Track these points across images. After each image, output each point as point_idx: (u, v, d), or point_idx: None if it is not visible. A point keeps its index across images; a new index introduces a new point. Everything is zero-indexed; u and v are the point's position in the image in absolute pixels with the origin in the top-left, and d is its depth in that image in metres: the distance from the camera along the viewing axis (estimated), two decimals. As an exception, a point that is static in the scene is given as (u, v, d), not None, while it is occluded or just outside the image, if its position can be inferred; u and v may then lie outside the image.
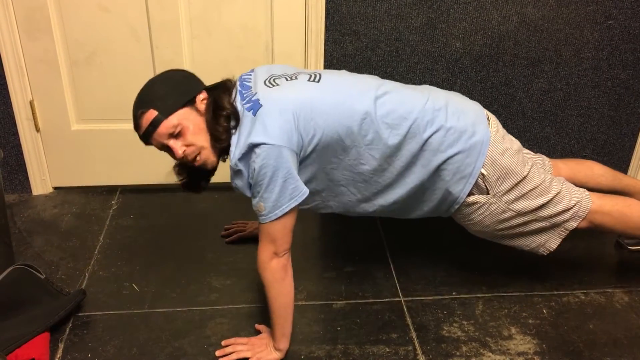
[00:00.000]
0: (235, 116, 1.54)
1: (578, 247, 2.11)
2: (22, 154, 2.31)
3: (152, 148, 1.61)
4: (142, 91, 1.57)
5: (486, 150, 1.66)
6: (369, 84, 1.66)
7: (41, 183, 2.38)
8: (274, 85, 1.58)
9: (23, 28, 2.11)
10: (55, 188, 2.43)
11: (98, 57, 2.19)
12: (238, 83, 1.64)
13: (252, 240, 2.10)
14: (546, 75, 2.34)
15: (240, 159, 1.50)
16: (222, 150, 1.58)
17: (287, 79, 1.62)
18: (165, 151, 1.58)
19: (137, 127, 1.56)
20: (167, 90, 1.54)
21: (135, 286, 1.91)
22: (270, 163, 1.46)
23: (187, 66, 2.21)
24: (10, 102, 2.21)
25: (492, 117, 1.77)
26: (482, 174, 1.67)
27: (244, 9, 2.14)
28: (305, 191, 1.53)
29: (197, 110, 1.55)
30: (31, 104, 2.23)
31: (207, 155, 1.57)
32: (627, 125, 2.46)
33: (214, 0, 2.12)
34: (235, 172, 1.53)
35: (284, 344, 1.64)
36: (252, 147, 1.47)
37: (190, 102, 1.55)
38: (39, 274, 1.83)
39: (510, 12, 2.21)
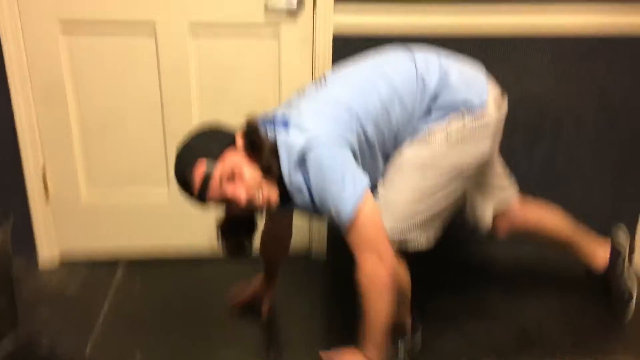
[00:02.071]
0: (273, 144, 1.50)
1: (587, 312, 2.10)
2: (30, 222, 2.33)
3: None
4: (181, 155, 1.52)
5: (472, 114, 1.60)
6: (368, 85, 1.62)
7: (48, 251, 2.38)
8: (291, 106, 1.59)
9: (39, 101, 2.18)
10: (63, 257, 2.43)
11: (111, 127, 2.25)
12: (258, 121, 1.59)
13: (259, 307, 2.08)
14: (546, 147, 2.39)
15: (295, 172, 1.46)
16: (277, 182, 1.51)
17: (298, 98, 1.62)
18: (225, 204, 1.51)
19: (189, 187, 1.48)
20: (208, 141, 1.51)
21: (140, 358, 1.88)
22: (326, 155, 1.42)
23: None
24: (22, 171, 2.25)
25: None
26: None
27: (254, 82, 2.21)
28: (365, 176, 1.48)
29: (240, 150, 1.51)
30: (43, 174, 2.27)
31: (267, 191, 1.50)
32: (630, 200, 2.49)
33: (224, 73, 2.20)
34: (296, 191, 1.48)
35: (377, 355, 1.57)
36: (303, 154, 1.43)
37: (232, 144, 1.50)
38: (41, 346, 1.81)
39: (511, 88, 2.26)
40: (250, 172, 1.47)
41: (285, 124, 1.50)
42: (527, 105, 2.30)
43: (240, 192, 1.46)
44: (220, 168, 1.45)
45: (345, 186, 1.42)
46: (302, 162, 1.44)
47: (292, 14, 2.12)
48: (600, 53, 2.26)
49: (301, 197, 1.49)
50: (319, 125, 1.48)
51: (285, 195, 1.53)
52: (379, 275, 1.47)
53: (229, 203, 1.49)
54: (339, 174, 1.42)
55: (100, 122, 2.24)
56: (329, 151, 1.44)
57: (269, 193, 1.49)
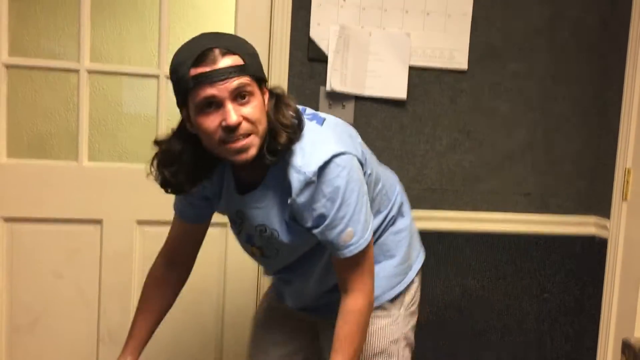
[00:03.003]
0: (299, 118, 1.33)
1: None
2: None
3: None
4: (223, 35, 1.28)
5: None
6: None
7: None
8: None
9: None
10: None
11: (41, 323, 2.13)
12: None
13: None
14: (493, 346, 2.37)
15: (312, 166, 1.28)
16: (268, 149, 1.30)
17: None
18: (204, 111, 1.24)
19: (203, 60, 1.20)
20: (255, 53, 1.30)
21: None
22: (355, 176, 1.31)
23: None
24: None
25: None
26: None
27: (198, 270, 2.19)
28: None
29: (263, 97, 1.31)
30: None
31: (255, 142, 1.27)
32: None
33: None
34: (307, 184, 1.29)
35: None
36: (333, 157, 1.29)
37: (262, 84, 1.31)
38: None
39: (452, 283, 2.31)
40: (257, 114, 1.26)
41: (321, 122, 1.38)
42: (468, 303, 2.33)
43: (233, 112, 1.22)
44: (244, 81, 1.23)
45: (367, 215, 1.36)
46: (327, 166, 1.29)
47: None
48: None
49: (303, 194, 1.31)
50: (352, 141, 1.39)
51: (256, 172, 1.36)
52: (367, 312, 1.40)
53: (207, 118, 1.24)
54: (363, 193, 1.35)
55: (31, 317, 2.13)
56: (360, 175, 1.35)
57: (252, 143, 1.27)
